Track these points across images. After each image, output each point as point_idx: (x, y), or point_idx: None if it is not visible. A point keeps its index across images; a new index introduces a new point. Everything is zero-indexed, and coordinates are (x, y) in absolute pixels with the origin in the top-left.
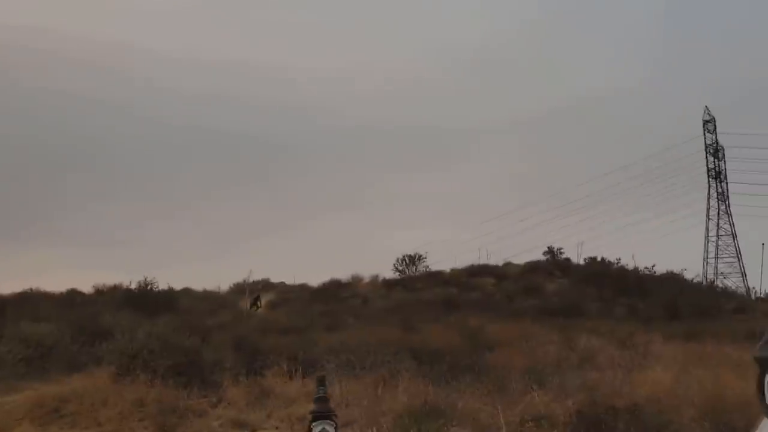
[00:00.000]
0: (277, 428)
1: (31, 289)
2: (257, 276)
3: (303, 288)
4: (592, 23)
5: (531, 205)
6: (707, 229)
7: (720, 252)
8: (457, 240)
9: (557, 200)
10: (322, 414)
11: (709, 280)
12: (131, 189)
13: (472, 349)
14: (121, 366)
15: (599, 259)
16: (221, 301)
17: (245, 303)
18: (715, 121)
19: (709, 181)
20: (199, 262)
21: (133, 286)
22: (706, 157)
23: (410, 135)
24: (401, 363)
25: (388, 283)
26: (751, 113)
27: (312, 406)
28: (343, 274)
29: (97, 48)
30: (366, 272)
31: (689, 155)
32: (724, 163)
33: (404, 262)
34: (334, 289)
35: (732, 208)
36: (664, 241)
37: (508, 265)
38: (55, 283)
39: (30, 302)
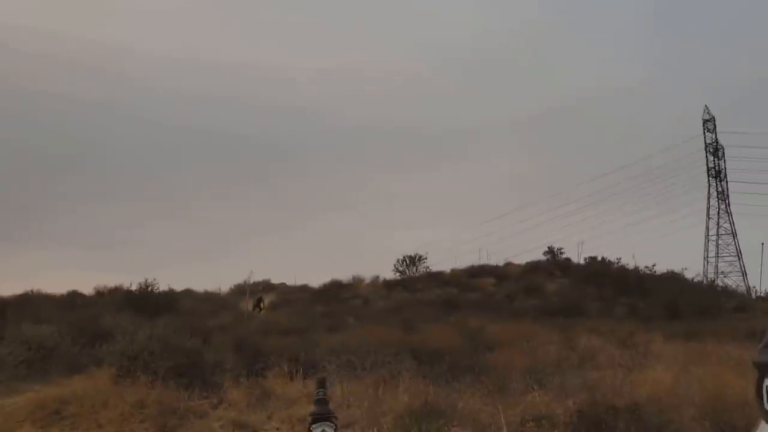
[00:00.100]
0: (278, 429)
1: (31, 291)
2: (258, 277)
3: (304, 289)
4: (592, 23)
5: (531, 205)
6: (707, 228)
7: (720, 251)
8: (458, 240)
9: (557, 200)
10: (322, 416)
11: (709, 280)
12: (131, 190)
13: (472, 349)
14: (122, 367)
15: (599, 258)
16: (222, 302)
17: (246, 304)
18: (714, 120)
19: (709, 181)
20: (200, 263)
21: (134, 287)
22: (706, 157)
23: (410, 135)
24: (402, 363)
25: (389, 284)
26: (751, 112)
27: (312, 408)
28: (344, 275)
29: (97, 49)
30: (366, 273)
31: (689, 155)
32: (724, 162)
33: (405, 263)
34: (334, 290)
35: (732, 207)
36: (664, 240)
37: (508, 265)
38: (55, 285)
39: (31, 304)
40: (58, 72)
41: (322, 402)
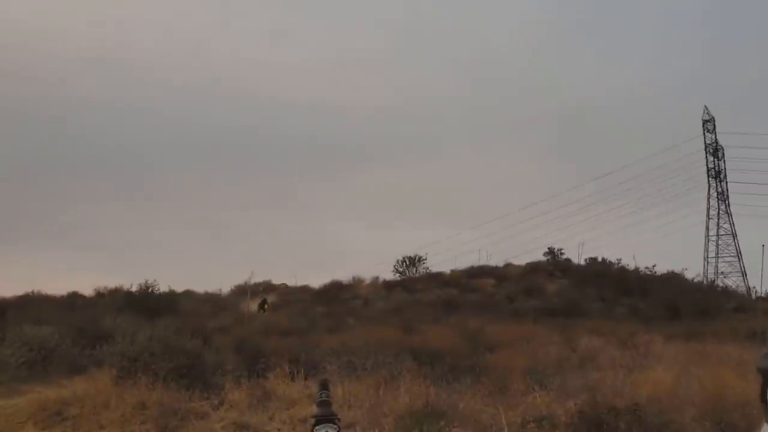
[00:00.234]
0: (279, 430)
1: (32, 292)
2: (258, 278)
3: (304, 290)
4: (592, 23)
5: (531, 205)
6: (707, 228)
7: (720, 251)
8: (458, 241)
9: (557, 201)
10: (325, 418)
11: (709, 280)
12: (132, 190)
13: (472, 350)
14: (123, 369)
15: (600, 259)
16: (223, 303)
17: (247, 305)
18: (714, 120)
19: (709, 181)
20: (201, 264)
21: (134, 288)
22: (706, 157)
23: (410, 135)
24: (402, 364)
25: (389, 285)
26: (751, 113)
27: (314, 410)
28: (344, 276)
29: (97, 47)
30: (366, 274)
31: (689, 155)
32: (724, 163)
33: (404, 264)
34: (335, 290)
35: (732, 208)
36: (664, 240)
37: (508, 266)
38: (55, 286)
39: (31, 305)
40: (58, 71)
41: (325, 404)
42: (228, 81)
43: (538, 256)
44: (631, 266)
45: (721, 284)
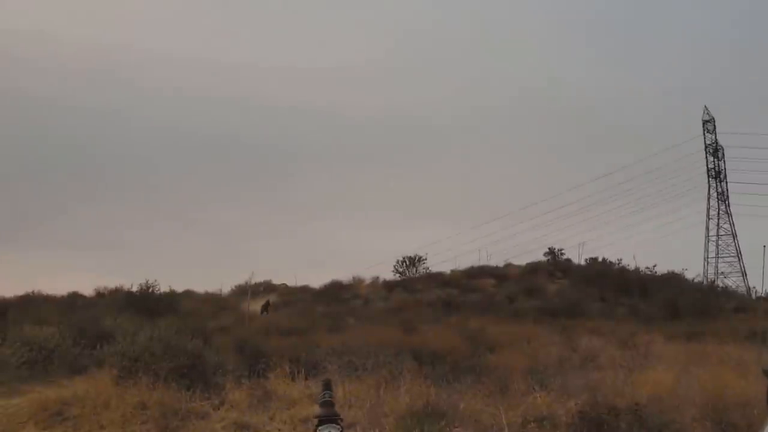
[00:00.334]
0: (279, 430)
1: (32, 292)
2: (259, 278)
3: (304, 290)
4: (592, 23)
5: (531, 205)
6: (707, 228)
7: (720, 251)
8: (458, 241)
9: (558, 201)
10: (328, 418)
11: (709, 280)
12: (133, 191)
13: (473, 350)
14: (123, 369)
15: (600, 259)
16: (223, 303)
17: (247, 305)
18: (714, 121)
19: (709, 181)
20: (201, 264)
21: (135, 288)
22: (706, 157)
23: (410, 134)
24: (403, 364)
25: (389, 285)
26: (751, 113)
27: (317, 410)
28: (344, 276)
29: (97, 50)
30: (367, 274)
31: (689, 155)
32: (724, 163)
33: (405, 264)
34: (335, 290)
35: (732, 208)
36: (664, 241)
37: (508, 266)
38: (56, 287)
39: (32, 305)
40: (59, 74)
41: (327, 404)
42: (229, 82)
43: (539, 256)
44: (632, 266)
45: (721, 284)
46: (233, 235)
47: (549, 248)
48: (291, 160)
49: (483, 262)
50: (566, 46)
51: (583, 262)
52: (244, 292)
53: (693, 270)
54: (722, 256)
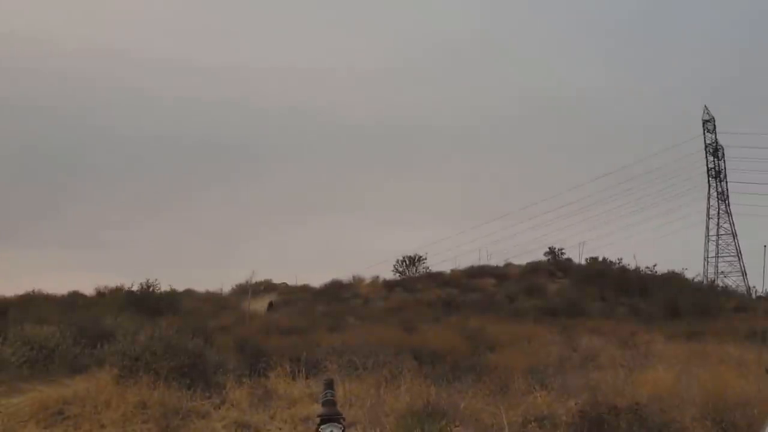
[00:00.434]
0: (280, 429)
1: (33, 292)
2: (259, 277)
3: (305, 289)
4: (592, 22)
5: (531, 205)
6: (707, 228)
7: (720, 251)
8: (458, 241)
9: (558, 200)
10: (330, 417)
11: (709, 280)
12: (133, 190)
13: (473, 349)
14: (124, 368)
15: (600, 259)
16: (224, 302)
17: (248, 304)
18: (714, 120)
19: (709, 181)
20: (202, 264)
21: (135, 287)
22: (706, 157)
23: (410, 134)
24: (403, 363)
25: (389, 284)
26: (751, 113)
27: (319, 409)
28: (344, 275)
29: (94, 50)
30: (367, 273)
31: (689, 155)
32: (724, 163)
33: (404, 263)
34: (335, 290)
35: (732, 208)
36: (664, 240)
37: (508, 265)
38: (56, 286)
39: (32, 305)
40: (58, 73)
41: (329, 403)
42: (229, 81)
43: (539, 255)
44: (632, 266)
45: (721, 284)
46: (234, 234)
47: (549, 248)
48: (291, 160)
49: (483, 262)
50: (566, 46)
51: (583, 262)
52: (244, 291)
53: (693, 269)
54: (722, 255)
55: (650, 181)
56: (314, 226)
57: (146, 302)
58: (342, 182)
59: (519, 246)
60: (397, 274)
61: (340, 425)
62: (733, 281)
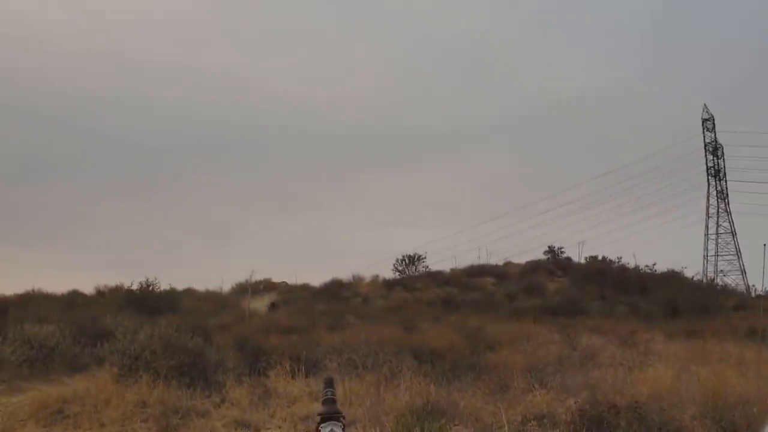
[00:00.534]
0: (280, 428)
1: (33, 291)
2: (259, 276)
3: (304, 288)
4: (592, 21)
5: (531, 204)
6: (707, 227)
7: (720, 250)
8: (457, 240)
9: (557, 199)
10: (330, 415)
11: (709, 278)
12: (132, 190)
13: (472, 348)
14: (124, 367)
15: (600, 257)
16: (223, 301)
17: (248, 303)
18: (714, 119)
19: (708, 180)
20: (201, 263)
21: (135, 286)
22: (706, 156)
23: (410, 134)
24: (402, 362)
25: (389, 283)
26: (751, 112)
27: (319, 407)
28: (344, 275)
29: (95, 46)
30: (366, 272)
31: (688, 154)
32: (724, 162)
33: (404, 262)
34: (335, 289)
35: (731, 206)
36: (664, 239)
37: (508, 264)
38: (56, 285)
39: (32, 303)
40: (59, 71)
41: (330, 401)
42: (229, 80)
43: (539, 254)
44: (631, 265)
45: (720, 282)
46: (233, 233)
47: (549, 247)
48: (291, 159)
49: (483, 261)
50: (566, 45)
51: (582, 261)
52: (244, 290)
53: (693, 268)
54: (722, 254)
55: (650, 180)
56: (314, 225)
57: (146, 301)
58: (342, 182)
59: (518, 245)
60: (397, 273)
61: (340, 423)
62: (732, 280)
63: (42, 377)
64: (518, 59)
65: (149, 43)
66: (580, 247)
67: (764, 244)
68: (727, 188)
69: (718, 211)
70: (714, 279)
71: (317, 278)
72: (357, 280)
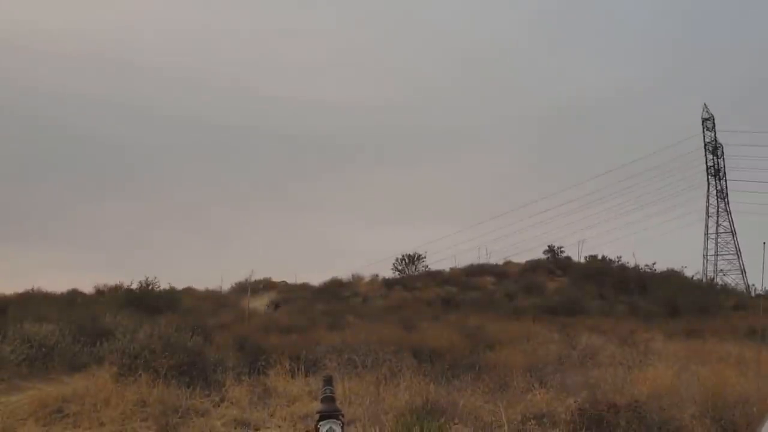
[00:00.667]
0: (279, 427)
1: (32, 290)
2: (259, 275)
3: (304, 287)
4: (592, 22)
5: (531, 203)
6: (707, 226)
7: (720, 249)
8: (457, 239)
9: (557, 199)
10: (329, 413)
11: (709, 278)
12: (132, 189)
13: (472, 347)
14: (123, 366)
15: (600, 257)
16: (223, 300)
17: (247, 302)
18: (713, 118)
19: (708, 179)
20: (201, 262)
21: (134, 286)
22: (705, 155)
23: (410, 133)
24: (402, 361)
25: (388, 283)
26: (751, 112)
27: (318, 406)
28: (344, 274)
29: (99, 46)
30: (366, 272)
31: (688, 153)
32: (723, 161)
33: (404, 262)
34: (335, 288)
35: (731, 206)
36: (664, 238)
37: (508, 263)
38: (56, 284)
39: (32, 302)
40: (60, 71)
41: (329, 400)
42: (227, 79)
43: (538, 254)
44: (631, 264)
45: (720, 282)
46: (233, 232)
47: (548, 246)
48: (292, 157)
49: (482, 260)
50: (565, 45)
51: (582, 260)
52: (244, 289)
53: (692, 267)
54: (721, 253)
55: (649, 179)
56: (314, 224)
57: (145, 300)
58: (342, 181)
59: (518, 244)
60: (397, 273)
61: (339, 422)
62: (732, 279)
63: (41, 376)
64: (518, 59)
65: (149, 44)
66: (579, 246)
67: (764, 243)
68: (726, 188)
69: (717, 211)
70: (714, 278)
71: (317, 278)
72: (357, 280)
